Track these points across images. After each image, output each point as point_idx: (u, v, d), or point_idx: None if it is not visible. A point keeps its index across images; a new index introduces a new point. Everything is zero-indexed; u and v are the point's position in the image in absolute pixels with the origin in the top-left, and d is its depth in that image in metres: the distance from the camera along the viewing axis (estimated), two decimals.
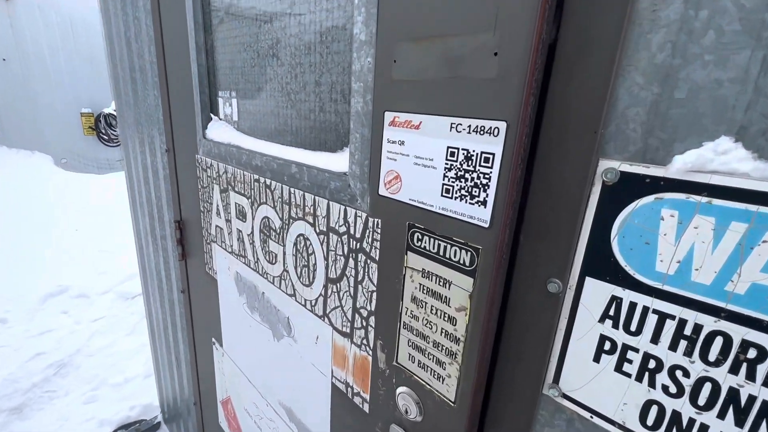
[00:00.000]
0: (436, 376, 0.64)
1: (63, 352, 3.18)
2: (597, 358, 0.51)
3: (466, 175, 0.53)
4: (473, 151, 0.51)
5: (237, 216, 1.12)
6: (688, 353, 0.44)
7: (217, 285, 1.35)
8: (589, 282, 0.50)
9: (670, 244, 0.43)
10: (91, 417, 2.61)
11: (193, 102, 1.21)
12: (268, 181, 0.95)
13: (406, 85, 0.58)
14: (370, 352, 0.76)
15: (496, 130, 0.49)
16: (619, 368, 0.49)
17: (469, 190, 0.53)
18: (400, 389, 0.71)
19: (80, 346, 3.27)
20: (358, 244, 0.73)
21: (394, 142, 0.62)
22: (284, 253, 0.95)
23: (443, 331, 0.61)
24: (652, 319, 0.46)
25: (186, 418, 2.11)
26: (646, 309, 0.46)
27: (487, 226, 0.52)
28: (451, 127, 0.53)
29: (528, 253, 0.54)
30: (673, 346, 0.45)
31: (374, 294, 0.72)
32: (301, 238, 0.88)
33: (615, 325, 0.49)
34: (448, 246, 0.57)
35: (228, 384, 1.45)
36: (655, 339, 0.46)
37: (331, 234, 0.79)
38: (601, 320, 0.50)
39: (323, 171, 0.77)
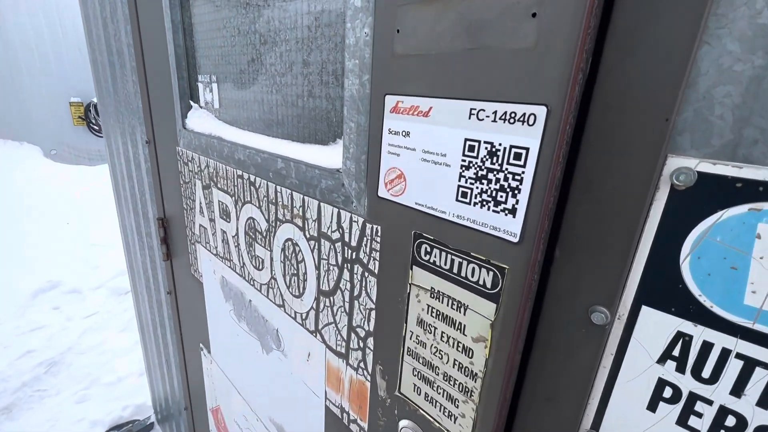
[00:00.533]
0: (447, 414, 0.54)
1: (54, 350, 3.09)
2: (653, 407, 0.41)
3: (490, 176, 0.42)
4: (499, 144, 0.40)
5: (221, 215, 1.01)
6: None
7: (203, 288, 1.24)
8: (647, 312, 0.39)
9: None
10: (82, 417, 2.54)
11: (172, 88, 1.09)
12: (252, 178, 0.83)
13: (412, 60, 0.46)
14: (369, 378, 0.66)
15: (532, 118, 0.37)
16: (683, 422, 0.39)
17: (493, 194, 0.42)
18: (403, 423, 0.61)
19: (72, 343, 3.18)
20: (354, 253, 0.62)
21: (396, 133, 0.50)
22: (271, 259, 0.84)
23: (456, 363, 0.50)
24: (734, 366, 0.35)
25: (178, 420, 2.04)
26: (726, 352, 0.35)
27: (516, 240, 0.41)
28: (471, 114, 0.42)
29: (566, 275, 0.43)
30: (763, 402, 0.34)
31: (373, 312, 0.61)
32: (290, 243, 0.77)
33: (680, 369, 0.38)
34: (465, 263, 0.46)
35: (217, 392, 1.36)
36: (738, 391, 0.35)
37: (322, 240, 0.68)
38: (661, 361, 0.39)
39: (313, 167, 0.66)
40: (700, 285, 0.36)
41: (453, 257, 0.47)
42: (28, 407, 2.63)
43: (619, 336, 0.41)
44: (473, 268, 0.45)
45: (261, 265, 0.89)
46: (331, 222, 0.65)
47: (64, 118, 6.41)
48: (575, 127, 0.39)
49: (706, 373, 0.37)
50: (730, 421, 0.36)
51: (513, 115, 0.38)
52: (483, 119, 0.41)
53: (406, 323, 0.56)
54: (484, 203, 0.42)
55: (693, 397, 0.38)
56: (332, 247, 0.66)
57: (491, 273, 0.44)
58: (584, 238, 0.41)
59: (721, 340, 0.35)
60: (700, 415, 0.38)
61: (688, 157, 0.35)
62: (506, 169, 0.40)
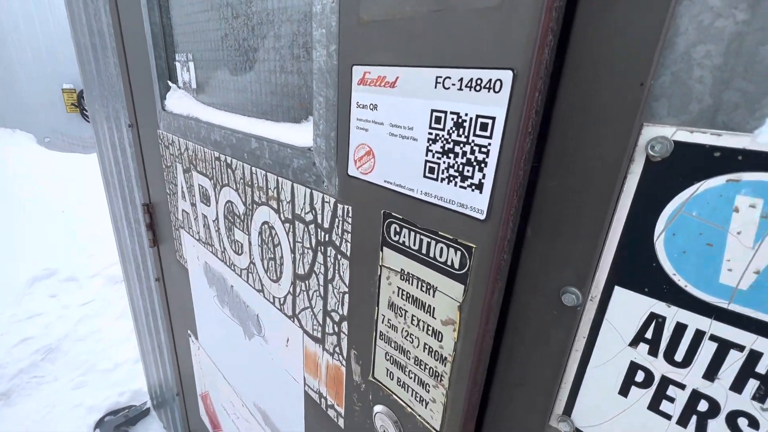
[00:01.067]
0: (418, 399, 0.52)
1: (51, 337, 3.11)
2: (624, 391, 0.39)
3: (456, 149, 0.39)
4: (465, 115, 0.37)
5: (201, 199, 0.99)
6: (761, 398, 0.31)
7: (188, 275, 1.23)
8: (620, 293, 0.37)
9: (747, 247, 0.30)
10: (79, 403, 2.56)
11: (150, 68, 1.05)
12: (228, 159, 0.80)
13: (378, 27, 0.43)
14: (344, 362, 0.64)
15: (498, 84, 0.34)
16: (654, 407, 0.37)
17: (460, 168, 0.39)
18: (377, 408, 0.60)
19: (68, 330, 3.20)
20: (327, 235, 0.60)
21: (365, 107, 0.47)
22: (249, 243, 0.82)
23: (426, 347, 0.49)
24: (708, 348, 0.33)
25: (172, 406, 2.05)
26: (700, 334, 0.33)
27: (483, 217, 0.39)
28: (437, 83, 0.39)
29: (537, 254, 0.41)
30: (737, 386, 0.32)
31: (346, 296, 0.59)
32: (266, 226, 0.75)
33: (653, 352, 0.36)
34: (433, 242, 0.44)
35: (205, 379, 1.36)
36: (711, 374, 0.33)
37: (296, 222, 0.66)
38: (634, 343, 0.37)
39: (285, 146, 0.63)
40: (674, 263, 0.33)
41: (422, 237, 0.45)
42: (26, 393, 2.65)
43: (591, 318, 0.39)
44: (441, 248, 0.43)
45: (240, 250, 0.87)
46: (304, 203, 0.63)
47: (57, 105, 6.31)
48: (548, 97, 0.36)
49: (679, 356, 0.35)
50: (703, 405, 0.34)
51: (479, 81, 0.36)
52: (449, 87, 0.38)
53: (378, 306, 0.54)
54: (451, 179, 0.40)
55: (665, 382, 0.36)
56: (306, 229, 0.64)
57: (459, 252, 0.41)
58: (556, 215, 0.39)
59: (695, 322, 0.33)
60: (672, 400, 0.36)
61: (665, 125, 0.32)
62: (473, 141, 0.37)
